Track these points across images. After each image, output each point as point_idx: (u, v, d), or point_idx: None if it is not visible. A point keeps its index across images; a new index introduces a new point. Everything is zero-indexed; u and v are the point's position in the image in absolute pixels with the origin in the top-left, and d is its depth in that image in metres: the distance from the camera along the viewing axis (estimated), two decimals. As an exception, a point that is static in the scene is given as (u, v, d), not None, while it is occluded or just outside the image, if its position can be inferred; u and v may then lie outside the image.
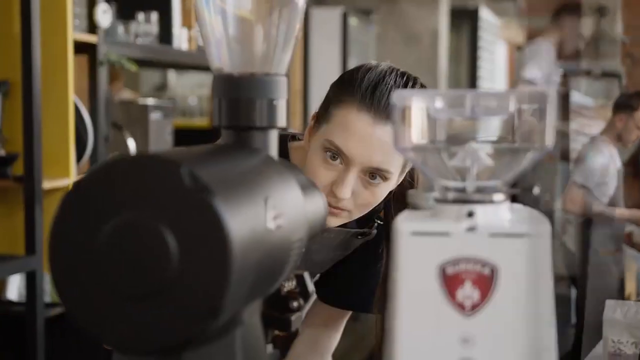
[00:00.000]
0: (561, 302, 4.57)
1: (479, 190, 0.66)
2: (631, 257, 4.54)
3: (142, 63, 3.31)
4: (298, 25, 0.79)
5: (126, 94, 4.42)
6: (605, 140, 4.41)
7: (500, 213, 0.66)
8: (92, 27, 2.65)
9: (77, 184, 0.61)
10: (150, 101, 3.28)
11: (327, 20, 5.94)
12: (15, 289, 2.71)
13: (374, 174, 1.24)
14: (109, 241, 0.59)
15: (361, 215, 1.30)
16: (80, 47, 2.63)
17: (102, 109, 2.70)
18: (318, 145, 1.26)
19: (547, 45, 4.35)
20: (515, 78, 4.43)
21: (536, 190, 4.65)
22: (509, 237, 0.63)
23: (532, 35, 10.18)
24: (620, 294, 4.43)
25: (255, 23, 0.77)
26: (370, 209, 1.30)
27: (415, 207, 0.72)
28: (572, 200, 4.28)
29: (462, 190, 0.66)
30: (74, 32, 2.55)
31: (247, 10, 0.77)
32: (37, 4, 2.34)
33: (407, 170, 1.32)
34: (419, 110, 0.66)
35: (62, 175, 2.50)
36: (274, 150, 0.77)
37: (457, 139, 0.68)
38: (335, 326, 1.58)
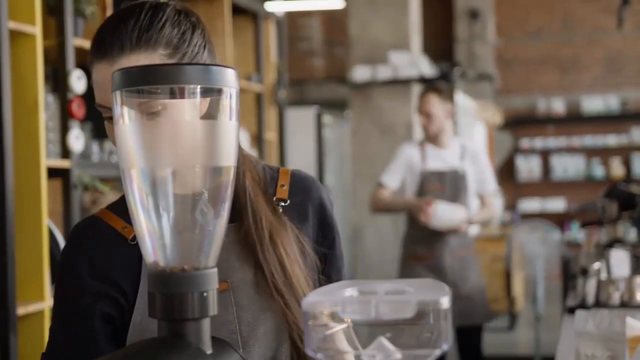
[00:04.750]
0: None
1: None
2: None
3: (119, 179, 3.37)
4: (225, 218, 0.85)
5: (110, 197, 4.46)
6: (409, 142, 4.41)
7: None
8: (66, 152, 2.72)
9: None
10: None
11: (302, 119, 6.12)
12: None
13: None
14: None
15: None
16: (54, 172, 2.69)
17: (76, 230, 2.74)
18: None
19: (403, 149, 4.21)
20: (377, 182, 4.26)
21: None
22: None
23: (508, 114, 10.38)
24: None
25: (183, 221, 0.84)
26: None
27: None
28: (373, 197, 4.15)
29: (372, 384, 0.72)
30: (48, 158, 2.62)
31: (177, 207, 0.84)
32: (9, 132, 2.40)
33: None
34: (328, 315, 0.72)
35: (37, 299, 2.53)
36: (206, 337, 0.83)
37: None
38: None
